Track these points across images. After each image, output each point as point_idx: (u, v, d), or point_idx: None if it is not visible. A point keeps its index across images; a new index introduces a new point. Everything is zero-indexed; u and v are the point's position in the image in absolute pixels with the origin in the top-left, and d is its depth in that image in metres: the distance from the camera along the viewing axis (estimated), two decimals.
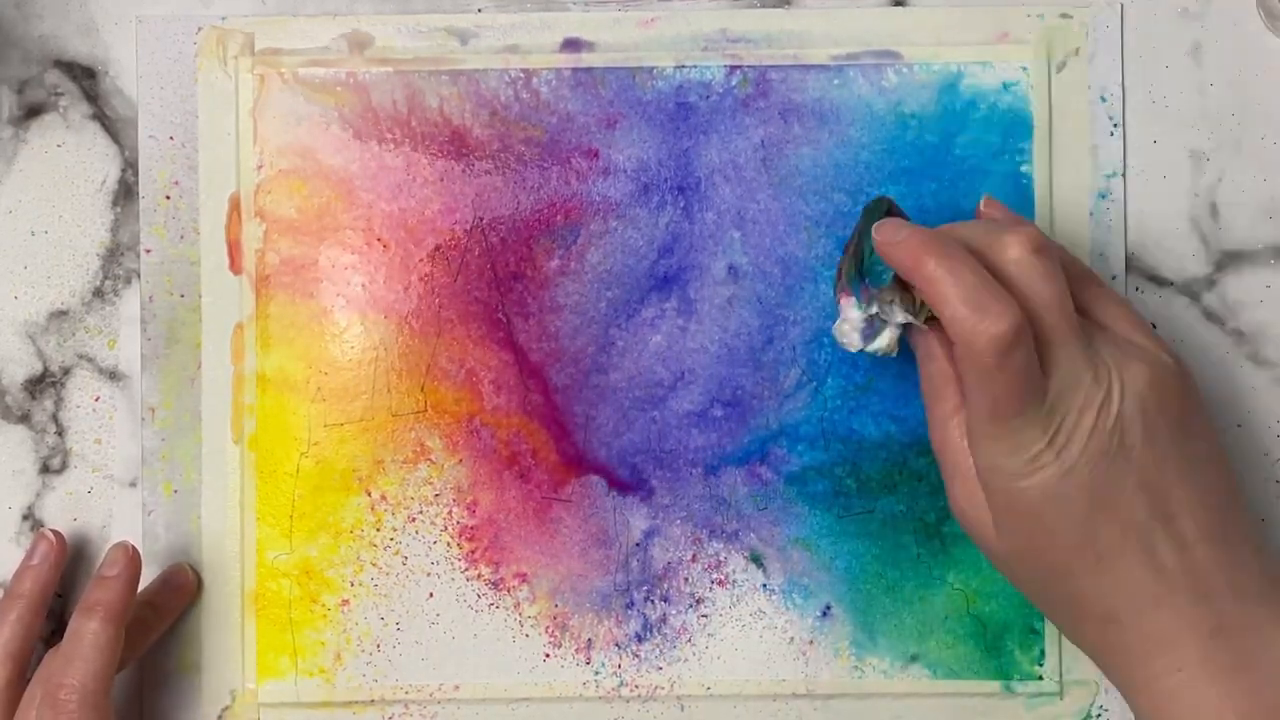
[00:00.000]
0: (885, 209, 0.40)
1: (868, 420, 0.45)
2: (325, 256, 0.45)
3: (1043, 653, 0.45)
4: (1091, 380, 0.37)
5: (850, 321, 0.40)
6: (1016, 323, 0.36)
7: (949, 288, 0.36)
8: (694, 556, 0.45)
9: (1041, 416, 0.36)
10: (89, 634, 0.41)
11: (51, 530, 0.44)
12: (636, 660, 0.45)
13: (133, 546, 0.43)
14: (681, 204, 0.45)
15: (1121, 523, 0.37)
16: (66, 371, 0.46)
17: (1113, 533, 0.37)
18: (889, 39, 0.45)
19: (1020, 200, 0.45)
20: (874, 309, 0.40)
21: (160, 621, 0.44)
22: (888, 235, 0.38)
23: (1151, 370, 0.37)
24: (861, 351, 0.41)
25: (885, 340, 0.40)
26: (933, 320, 0.40)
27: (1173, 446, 0.37)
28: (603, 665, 0.45)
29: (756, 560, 0.45)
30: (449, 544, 0.45)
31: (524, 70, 0.45)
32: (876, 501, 0.45)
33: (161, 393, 0.45)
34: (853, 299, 0.40)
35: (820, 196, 0.45)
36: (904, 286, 0.40)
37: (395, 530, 0.45)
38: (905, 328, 0.40)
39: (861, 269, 0.40)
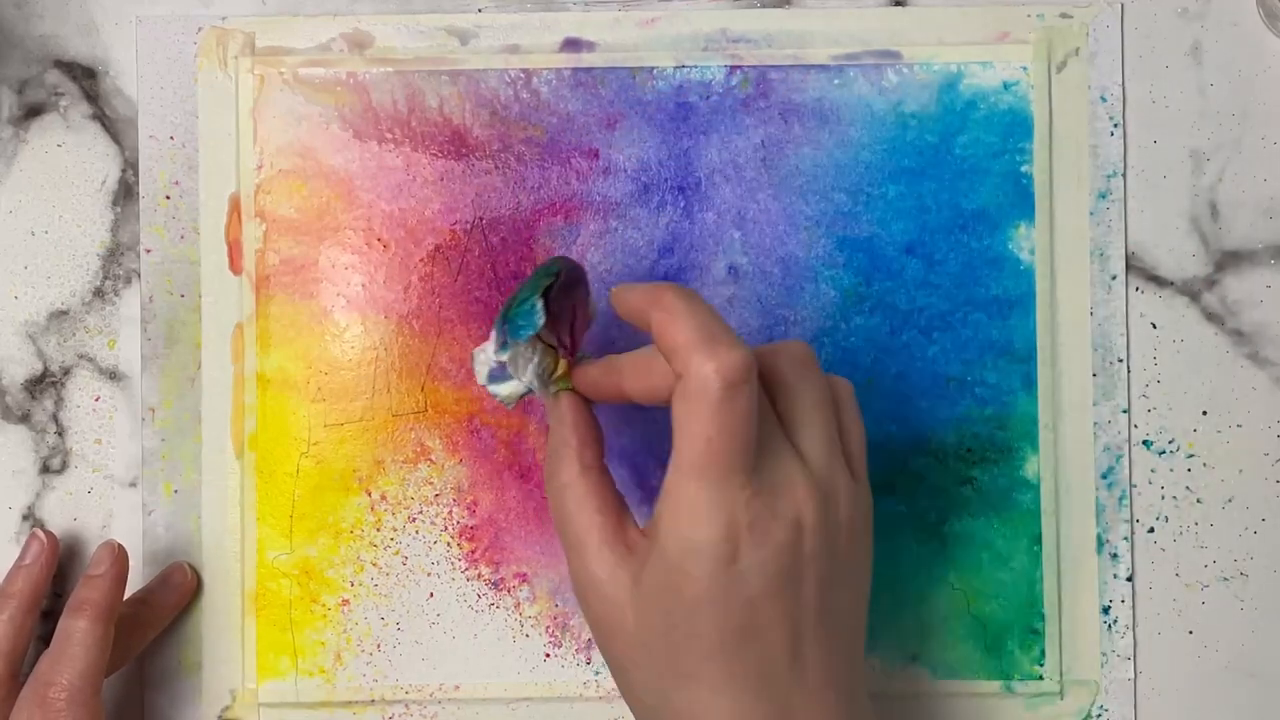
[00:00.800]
0: (557, 270, 0.39)
1: (867, 420, 0.45)
2: (325, 256, 0.45)
3: (1043, 653, 0.45)
4: (805, 494, 0.35)
5: (485, 354, 0.39)
6: (748, 359, 0.33)
7: (684, 317, 0.34)
8: None
9: (745, 491, 0.34)
10: (77, 632, 0.41)
11: (44, 531, 0.44)
12: None
13: (119, 545, 0.43)
14: (681, 204, 0.45)
15: (760, 651, 0.34)
16: (66, 371, 0.46)
17: (749, 659, 0.34)
18: (889, 39, 0.45)
19: (1020, 200, 0.45)
20: (505, 356, 0.38)
21: (158, 620, 0.44)
22: (623, 292, 0.37)
23: (853, 508, 0.36)
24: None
25: (506, 390, 0.39)
26: (562, 393, 0.38)
27: (835, 591, 0.35)
28: (603, 665, 0.45)
29: None
30: (449, 544, 0.45)
31: (524, 70, 0.45)
32: (876, 501, 0.45)
33: (161, 393, 0.45)
34: (494, 338, 0.39)
35: (820, 196, 0.45)
36: (546, 352, 0.38)
37: (395, 530, 0.45)
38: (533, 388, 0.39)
39: (507, 315, 0.38)
